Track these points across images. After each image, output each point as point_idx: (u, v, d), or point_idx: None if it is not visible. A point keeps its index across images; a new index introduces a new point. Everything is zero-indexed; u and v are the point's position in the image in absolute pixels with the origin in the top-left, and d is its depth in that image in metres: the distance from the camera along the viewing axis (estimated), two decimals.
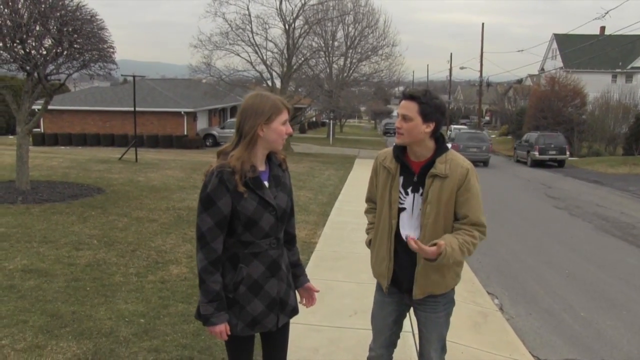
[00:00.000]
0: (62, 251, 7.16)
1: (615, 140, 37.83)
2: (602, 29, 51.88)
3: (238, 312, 2.83)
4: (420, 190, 3.18)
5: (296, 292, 3.16)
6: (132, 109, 20.44)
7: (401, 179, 3.24)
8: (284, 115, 2.82)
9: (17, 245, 7.35)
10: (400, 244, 3.25)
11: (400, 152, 3.25)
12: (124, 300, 5.66)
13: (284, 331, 3.09)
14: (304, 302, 3.25)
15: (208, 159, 22.76)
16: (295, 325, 5.45)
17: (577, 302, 7.46)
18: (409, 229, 3.23)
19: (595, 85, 44.57)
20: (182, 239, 8.33)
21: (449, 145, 3.21)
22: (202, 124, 39.64)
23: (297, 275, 3.19)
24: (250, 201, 2.75)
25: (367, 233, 3.61)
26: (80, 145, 34.94)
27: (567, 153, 30.87)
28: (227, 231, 2.79)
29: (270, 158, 2.93)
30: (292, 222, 3.12)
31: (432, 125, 3.09)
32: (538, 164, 30.41)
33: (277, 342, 3.10)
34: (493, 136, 53.20)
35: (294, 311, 3.10)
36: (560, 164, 30.47)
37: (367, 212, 3.66)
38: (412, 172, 3.21)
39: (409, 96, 3.11)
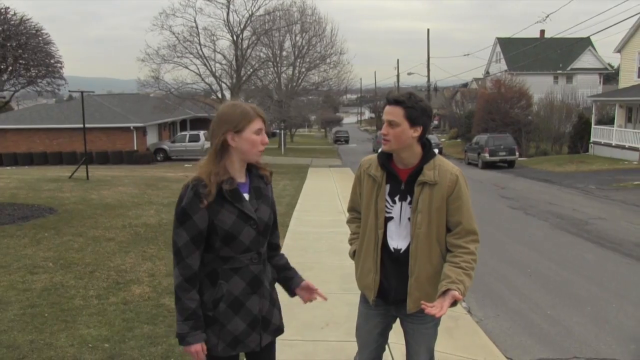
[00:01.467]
0: (15, 276, 6.82)
1: (560, 139, 38.74)
2: (542, 32, 53.30)
3: (218, 331, 2.69)
4: (409, 199, 3.07)
5: (280, 309, 3.01)
6: (80, 125, 19.94)
7: (387, 187, 3.12)
8: (257, 124, 2.68)
9: None
10: (386, 254, 3.15)
11: (386, 160, 3.13)
12: (85, 324, 5.40)
13: (269, 351, 2.96)
14: (305, 298, 3.06)
15: (161, 174, 22.46)
16: None
17: (543, 301, 7.51)
18: (397, 239, 3.12)
19: (539, 86, 45.68)
20: (141, 257, 8.07)
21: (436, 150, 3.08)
22: (152, 138, 39.06)
23: (290, 277, 3.04)
24: (228, 214, 2.62)
25: (351, 244, 3.47)
26: (27, 165, 33.96)
27: (517, 154, 31.46)
28: (205, 246, 2.66)
29: (250, 170, 2.80)
30: (276, 234, 2.99)
31: (419, 130, 3.00)
32: (489, 165, 30.88)
33: None
34: (443, 140, 53.94)
35: (279, 330, 2.96)
36: (511, 164, 31.01)
37: (349, 221, 3.54)
38: (399, 179, 3.10)
39: (393, 101, 2.99)
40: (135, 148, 36.17)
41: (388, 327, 3.39)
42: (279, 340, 5.34)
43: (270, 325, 2.88)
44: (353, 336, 5.39)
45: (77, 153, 32.35)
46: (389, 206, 3.12)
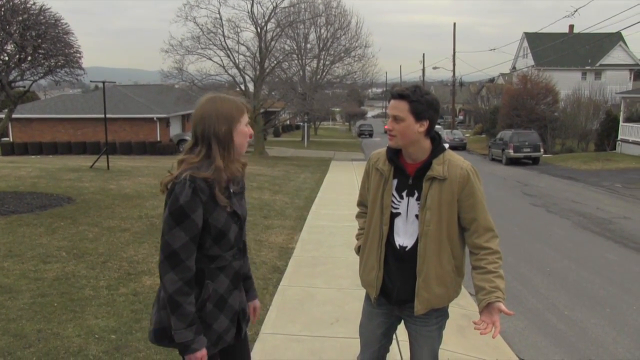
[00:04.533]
0: (28, 265, 6.83)
1: (587, 136, 38.13)
2: (571, 27, 52.59)
3: (205, 331, 2.59)
4: (416, 194, 2.97)
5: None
6: (103, 115, 20.03)
7: (395, 182, 3.03)
8: (246, 116, 2.64)
9: None
10: (391, 251, 3.05)
11: (394, 154, 3.04)
12: (93, 315, 5.38)
13: (245, 341, 2.93)
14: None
15: None
16: (275, 336, 5.26)
17: (560, 301, 7.36)
18: (403, 236, 3.02)
19: (566, 82, 45.05)
20: (155, 248, 8.04)
21: (446, 145, 2.96)
22: (175, 129, 39.24)
23: (246, 290, 2.96)
24: (222, 212, 2.54)
25: (357, 239, 3.41)
26: (51, 154, 34.34)
27: (542, 150, 31.04)
28: None
29: None
30: (245, 229, 2.89)
31: (425, 124, 2.89)
32: (513, 161, 30.52)
33: (240, 353, 2.90)
34: (467, 135, 53.47)
35: (249, 318, 2.93)
36: (535, 161, 30.62)
37: (358, 216, 3.47)
38: (407, 174, 3.00)
39: (397, 95, 2.90)
40: (158, 139, 36.35)
41: (392, 328, 3.29)
42: (286, 335, 5.33)
43: (246, 315, 2.85)
44: None
45: (101, 143, 32.54)
46: (395, 202, 3.02)
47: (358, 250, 3.32)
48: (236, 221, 2.62)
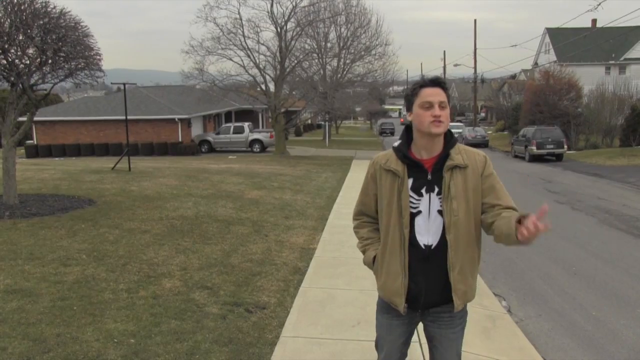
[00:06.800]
0: (48, 268, 6.84)
1: (611, 132, 37.57)
2: (594, 21, 51.84)
3: None
4: (436, 189, 2.90)
5: None
6: (125, 117, 20.13)
7: (410, 181, 2.94)
8: None
9: (0, 263, 7.02)
10: (414, 253, 2.94)
11: (406, 150, 2.98)
12: (113, 319, 5.36)
13: None
14: None
15: (203, 166, 22.55)
16: (296, 339, 5.19)
17: (588, 301, 7.19)
18: (426, 234, 2.92)
19: (590, 77, 44.40)
20: (175, 250, 8.02)
21: None
22: (196, 130, 39.34)
23: None
24: None
25: (364, 251, 3.23)
26: (74, 156, 34.62)
27: (565, 146, 30.61)
28: None
29: None
30: None
31: None
32: (536, 158, 30.14)
33: None
34: (489, 132, 53.01)
35: None
36: (559, 157, 30.21)
37: (359, 227, 3.30)
38: (424, 170, 2.92)
39: (437, 82, 2.91)
40: (180, 140, 36.46)
41: (412, 334, 3.20)
42: (307, 337, 5.26)
43: None
44: None
45: (123, 144, 32.72)
46: (414, 200, 2.92)
47: (372, 261, 3.15)
48: None
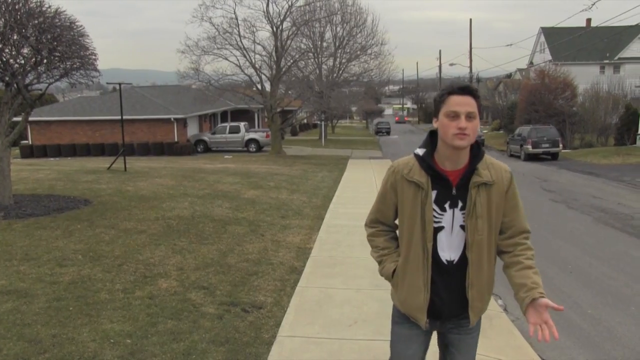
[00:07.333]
0: (44, 269, 6.82)
1: (606, 130, 37.69)
2: (588, 21, 51.94)
3: None
4: (460, 204, 2.76)
5: None
6: (120, 117, 20.10)
7: (433, 194, 2.77)
8: None
9: None
10: (436, 268, 2.83)
11: (430, 160, 2.78)
12: (109, 319, 5.34)
13: None
14: None
15: (199, 166, 22.54)
16: (293, 339, 5.19)
17: (583, 299, 7.21)
18: (448, 250, 2.81)
19: (584, 76, 44.51)
20: (171, 250, 8.01)
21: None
22: (192, 130, 39.29)
23: None
24: None
25: (381, 261, 3.04)
26: (70, 156, 34.54)
27: (560, 145, 30.69)
28: None
29: None
30: None
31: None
32: (532, 157, 30.21)
33: None
34: (485, 131, 53.09)
35: None
36: (554, 156, 30.29)
37: (374, 235, 3.09)
38: (449, 183, 2.76)
39: (468, 90, 2.68)
40: (176, 139, 36.40)
41: (428, 344, 3.09)
42: (304, 337, 5.26)
43: None
44: (381, 335, 5.24)
45: (119, 144, 32.65)
46: (437, 215, 2.78)
47: (391, 274, 2.98)
48: None
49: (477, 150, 2.78)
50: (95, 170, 18.06)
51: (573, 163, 28.02)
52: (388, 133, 65.10)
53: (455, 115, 2.64)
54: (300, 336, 5.27)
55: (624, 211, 13.70)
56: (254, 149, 36.71)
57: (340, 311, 6.00)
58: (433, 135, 2.83)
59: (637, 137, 32.90)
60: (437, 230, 2.79)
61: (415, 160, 2.83)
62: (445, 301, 2.85)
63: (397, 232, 3.01)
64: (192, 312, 5.64)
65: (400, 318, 3.02)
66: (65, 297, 5.90)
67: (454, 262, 2.81)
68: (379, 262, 3.06)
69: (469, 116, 2.63)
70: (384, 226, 3.05)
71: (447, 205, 2.77)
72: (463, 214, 2.76)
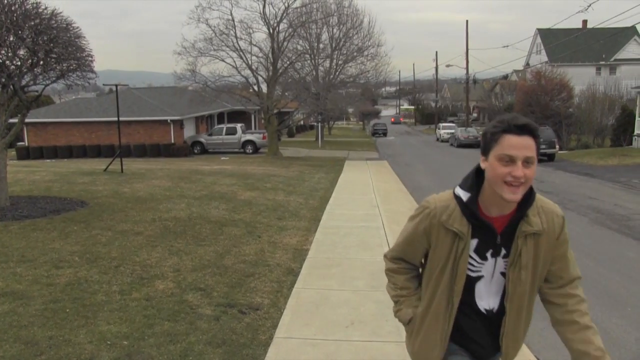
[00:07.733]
0: (40, 270, 6.81)
1: (602, 132, 37.83)
2: (585, 22, 52.07)
3: None
4: (503, 252, 2.43)
5: None
6: (116, 119, 20.09)
7: (474, 243, 2.43)
8: None
9: None
10: (474, 315, 2.55)
11: (475, 207, 2.39)
12: (106, 321, 5.34)
13: None
14: None
15: (195, 167, 22.51)
16: (289, 340, 5.19)
17: None
18: (487, 298, 2.52)
19: (581, 78, 44.64)
20: (168, 251, 8.01)
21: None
22: (189, 131, 39.26)
23: None
24: None
25: (398, 302, 2.71)
26: (66, 158, 34.48)
27: (557, 146, 30.76)
28: None
29: None
30: None
31: None
32: None
33: None
34: (481, 132, 53.13)
35: None
36: (550, 157, 30.34)
37: (395, 272, 2.72)
38: (493, 231, 2.40)
39: (528, 130, 2.23)
40: (173, 141, 36.37)
41: None
42: (300, 338, 5.26)
43: None
44: (378, 336, 5.26)
45: (115, 146, 32.64)
46: (475, 264, 2.46)
47: (408, 320, 2.66)
48: None
49: (528, 193, 2.34)
50: (92, 172, 18.04)
51: (569, 164, 28.07)
52: (385, 134, 65.15)
53: (510, 160, 2.22)
54: (297, 337, 5.27)
55: (620, 212, 13.73)
56: (251, 151, 36.72)
57: (337, 312, 6.00)
58: (479, 174, 2.42)
59: (633, 138, 32.98)
60: (475, 280, 2.50)
61: (455, 203, 2.43)
62: (487, 343, 2.58)
63: (421, 271, 2.73)
64: (188, 314, 5.64)
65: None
66: (61, 299, 5.89)
67: (494, 310, 2.53)
68: (395, 302, 2.74)
69: (527, 161, 2.22)
70: (407, 264, 2.71)
71: (488, 255, 2.45)
72: (505, 261, 2.45)
